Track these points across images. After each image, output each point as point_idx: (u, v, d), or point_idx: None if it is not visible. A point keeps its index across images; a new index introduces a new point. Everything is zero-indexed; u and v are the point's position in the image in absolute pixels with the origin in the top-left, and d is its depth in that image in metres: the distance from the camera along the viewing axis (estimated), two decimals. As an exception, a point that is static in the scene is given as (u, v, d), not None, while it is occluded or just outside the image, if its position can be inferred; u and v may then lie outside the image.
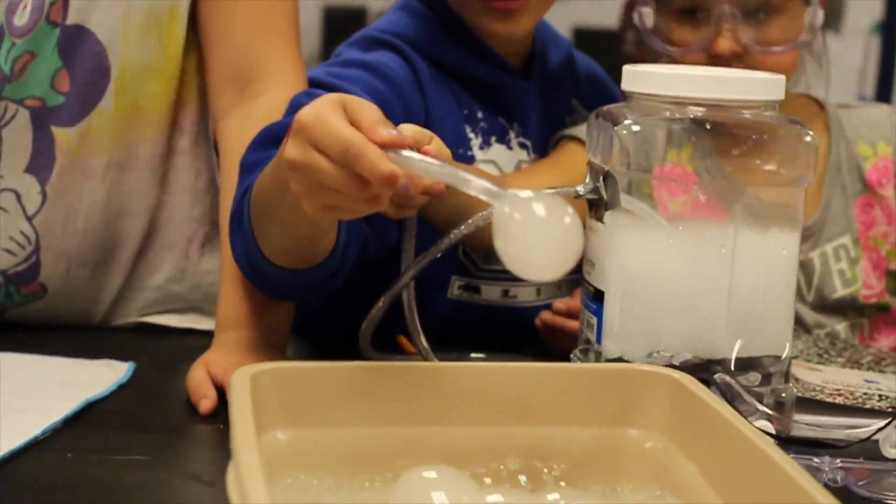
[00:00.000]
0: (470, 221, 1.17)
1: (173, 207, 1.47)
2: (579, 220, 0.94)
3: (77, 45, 1.35)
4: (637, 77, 1.17)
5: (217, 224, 1.46)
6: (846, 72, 3.60)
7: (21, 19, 1.31)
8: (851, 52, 3.64)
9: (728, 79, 1.16)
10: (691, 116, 1.14)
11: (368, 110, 0.98)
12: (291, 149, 0.99)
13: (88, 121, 1.38)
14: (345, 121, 0.97)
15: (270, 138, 1.23)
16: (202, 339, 1.33)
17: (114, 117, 1.39)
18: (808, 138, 1.16)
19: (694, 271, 1.14)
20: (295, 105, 1.27)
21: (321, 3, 3.84)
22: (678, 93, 1.14)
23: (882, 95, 3.50)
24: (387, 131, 0.96)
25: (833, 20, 3.65)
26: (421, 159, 0.97)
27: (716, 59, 1.47)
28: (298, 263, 1.20)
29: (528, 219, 0.93)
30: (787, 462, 0.84)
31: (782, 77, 1.17)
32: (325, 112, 0.97)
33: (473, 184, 0.95)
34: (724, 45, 1.46)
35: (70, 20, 1.34)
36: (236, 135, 1.35)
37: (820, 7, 1.48)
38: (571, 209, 0.94)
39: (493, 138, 1.46)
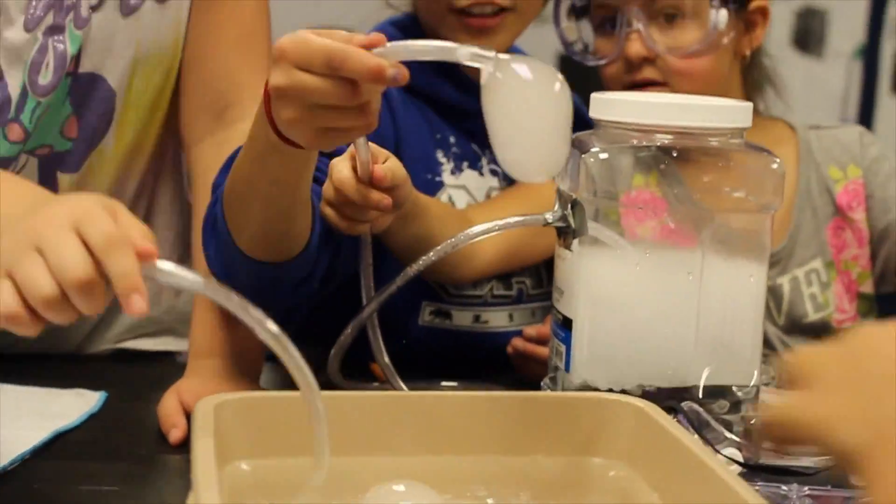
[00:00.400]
0: (438, 248, 1.17)
1: (153, 231, 1.47)
2: (569, 92, 0.97)
3: (90, 92, 1.35)
4: (604, 105, 1.17)
5: (190, 246, 1.46)
6: (829, 96, 3.61)
7: (45, 78, 1.30)
8: (834, 77, 3.65)
9: (694, 106, 1.16)
10: (658, 144, 1.14)
11: (339, 31, 1.00)
12: (276, 76, 1.00)
13: (89, 161, 1.38)
14: (322, 37, 0.99)
15: None
16: (175, 367, 1.33)
17: (112, 156, 1.40)
18: (774, 165, 1.17)
19: (661, 298, 1.14)
20: None
21: (308, 27, 3.85)
22: (645, 120, 1.14)
23: (864, 119, 3.52)
24: (363, 34, 0.98)
25: (815, 44, 3.66)
26: (404, 45, 0.99)
27: (629, 66, 1.48)
28: (275, 254, 1.20)
29: (513, 81, 0.96)
30: (748, 493, 0.84)
31: (749, 105, 1.17)
32: (301, 33, 0.99)
33: (460, 51, 0.98)
34: (633, 48, 1.47)
35: (83, 68, 1.33)
36: (212, 160, 1.35)
37: (723, 8, 1.47)
38: (561, 78, 0.97)
39: (466, 164, 1.47)
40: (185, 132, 1.43)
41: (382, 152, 1.18)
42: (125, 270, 0.85)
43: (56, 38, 1.29)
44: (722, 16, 1.46)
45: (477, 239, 1.18)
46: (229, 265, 1.22)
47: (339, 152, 1.21)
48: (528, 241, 1.41)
